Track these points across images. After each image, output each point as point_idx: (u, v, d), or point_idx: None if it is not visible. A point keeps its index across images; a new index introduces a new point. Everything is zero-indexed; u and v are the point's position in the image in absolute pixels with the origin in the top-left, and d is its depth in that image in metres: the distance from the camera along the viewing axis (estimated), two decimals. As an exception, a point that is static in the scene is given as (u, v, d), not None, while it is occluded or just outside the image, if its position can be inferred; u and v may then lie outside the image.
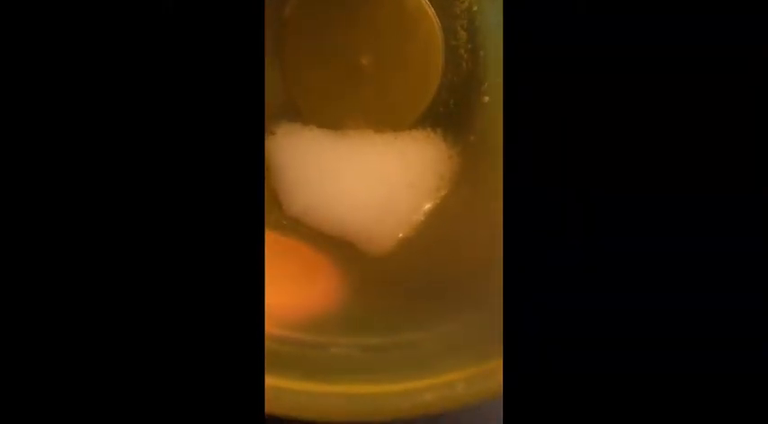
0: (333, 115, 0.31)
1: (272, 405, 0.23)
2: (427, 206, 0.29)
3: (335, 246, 0.28)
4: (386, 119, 0.31)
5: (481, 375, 0.22)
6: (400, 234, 0.28)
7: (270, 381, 0.23)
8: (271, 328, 0.24)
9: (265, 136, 0.30)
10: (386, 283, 0.27)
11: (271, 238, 0.26)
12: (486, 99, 0.31)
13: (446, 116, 0.31)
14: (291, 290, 0.26)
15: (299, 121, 0.31)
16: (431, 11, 0.32)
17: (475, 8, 0.31)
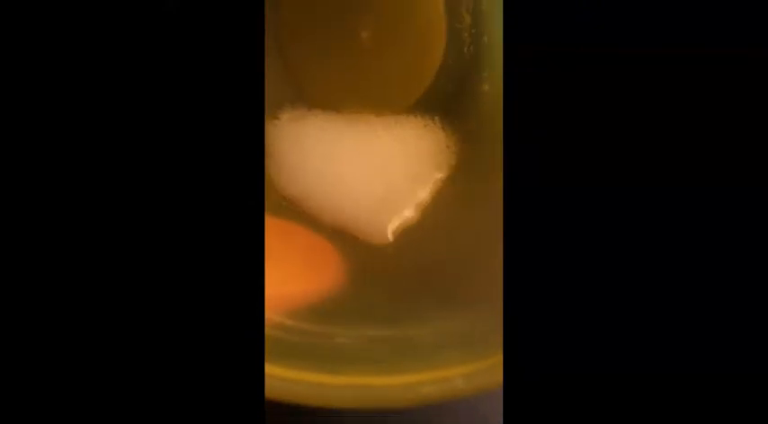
0: (332, 90, 0.31)
1: (276, 393, 0.23)
2: (426, 195, 0.29)
3: (336, 233, 0.28)
4: (384, 97, 0.31)
5: (480, 372, 0.23)
6: (399, 224, 0.28)
7: (276, 370, 0.23)
8: (277, 317, 0.24)
9: (269, 122, 0.29)
10: (387, 272, 0.28)
11: (272, 223, 0.26)
12: (486, 87, 0.31)
13: (444, 102, 0.31)
14: (294, 273, 0.26)
15: (302, 107, 0.30)
16: (436, -11, 0.31)
17: (481, -8, 0.31)
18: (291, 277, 0.26)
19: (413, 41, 0.31)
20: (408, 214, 0.28)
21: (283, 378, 0.23)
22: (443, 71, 0.31)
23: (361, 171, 0.29)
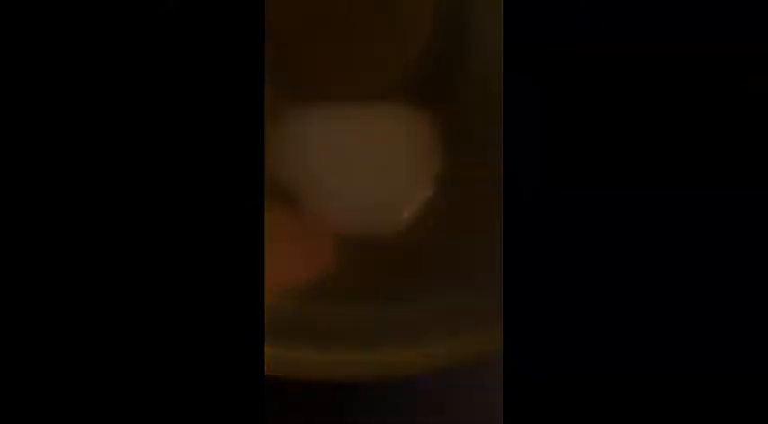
0: (321, 75, 0.31)
1: (275, 370, 0.25)
2: (425, 185, 0.30)
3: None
4: (371, 72, 0.31)
5: (458, 348, 0.26)
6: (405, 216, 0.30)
7: (275, 349, 0.25)
8: (275, 298, 0.26)
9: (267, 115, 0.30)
10: (378, 254, 0.29)
11: (268, 206, 0.27)
12: (473, 67, 0.31)
13: (430, 81, 0.32)
14: (290, 255, 0.27)
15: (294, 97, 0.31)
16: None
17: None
18: (287, 259, 0.27)
19: (401, 21, 0.32)
20: (406, 207, 0.30)
21: (283, 356, 0.25)
22: (430, 49, 0.32)
23: (356, 162, 0.30)
